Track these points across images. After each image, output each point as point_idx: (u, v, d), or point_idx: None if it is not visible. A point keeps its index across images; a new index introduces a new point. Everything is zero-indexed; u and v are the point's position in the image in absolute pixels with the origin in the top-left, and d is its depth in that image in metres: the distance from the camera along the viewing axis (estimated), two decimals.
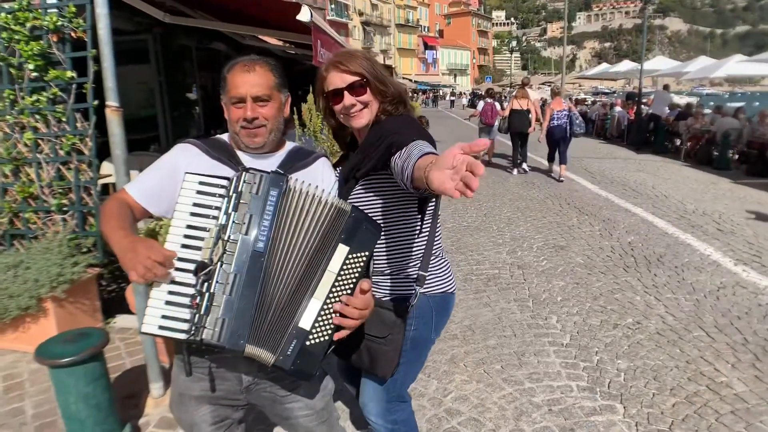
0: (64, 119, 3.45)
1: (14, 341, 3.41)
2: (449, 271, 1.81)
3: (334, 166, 1.79)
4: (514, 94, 10.74)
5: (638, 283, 4.65)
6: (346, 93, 1.59)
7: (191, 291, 1.26)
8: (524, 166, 10.71)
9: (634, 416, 2.76)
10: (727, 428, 2.66)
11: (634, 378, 3.13)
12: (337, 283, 1.31)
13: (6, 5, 3.41)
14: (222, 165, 1.47)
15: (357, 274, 1.33)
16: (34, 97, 3.45)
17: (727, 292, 4.46)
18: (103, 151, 3.55)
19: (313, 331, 1.31)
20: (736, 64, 14.21)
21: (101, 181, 4.43)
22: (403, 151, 1.33)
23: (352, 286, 1.33)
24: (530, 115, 10.00)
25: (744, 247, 5.68)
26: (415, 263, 1.68)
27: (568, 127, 9.43)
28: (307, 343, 1.30)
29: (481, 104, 11.59)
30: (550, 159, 10.28)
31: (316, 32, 3.31)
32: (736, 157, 11.45)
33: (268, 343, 1.30)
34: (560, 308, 4.15)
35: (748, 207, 7.65)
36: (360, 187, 1.62)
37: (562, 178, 9.72)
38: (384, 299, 1.66)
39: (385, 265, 1.68)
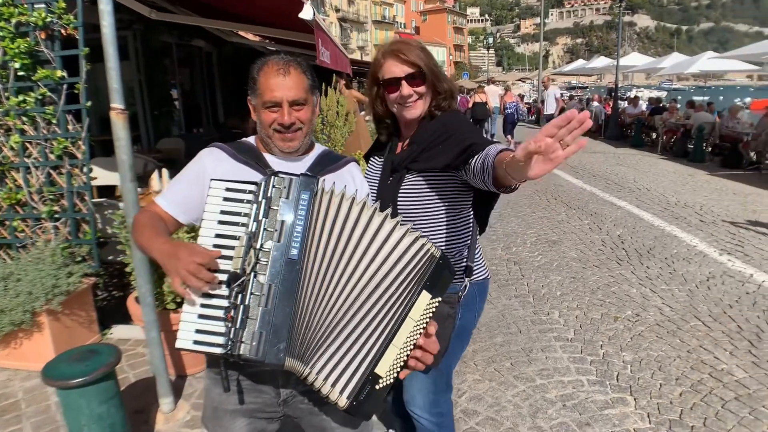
0: (54, 121, 3.30)
1: (5, 358, 3.23)
2: (484, 257, 1.86)
3: (366, 154, 1.82)
4: (475, 91, 15.06)
5: (632, 276, 4.72)
6: (404, 83, 1.58)
7: (225, 303, 1.20)
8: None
9: (645, 407, 2.80)
10: (734, 414, 2.73)
11: (640, 369, 3.17)
12: (413, 329, 1.27)
13: None
14: (249, 169, 1.41)
15: (429, 318, 1.29)
16: (21, 98, 3.29)
17: (716, 281, 4.57)
18: (90, 153, 3.43)
19: (386, 375, 1.26)
20: (708, 61, 14.68)
21: None
22: (482, 153, 1.36)
23: (423, 328, 1.29)
24: (486, 105, 13.96)
25: (726, 237, 5.83)
26: (465, 253, 1.71)
27: (515, 114, 14.35)
28: (377, 387, 1.25)
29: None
30: (505, 134, 14.61)
31: (318, 31, 3.23)
32: (710, 149, 11.78)
33: (312, 357, 1.24)
34: (561, 303, 4.18)
35: (726, 198, 7.87)
36: (420, 179, 1.62)
37: (512, 147, 13.72)
38: None
39: None
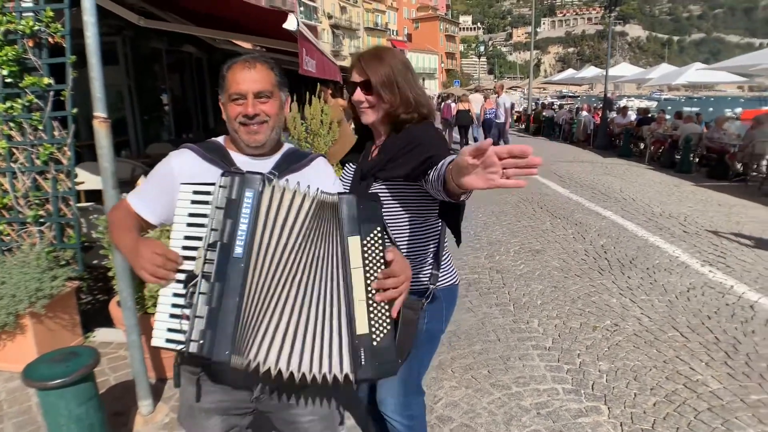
0: (40, 127, 3.33)
1: None
2: (453, 264, 1.90)
3: (343, 160, 1.91)
4: (459, 99, 15.86)
5: (613, 286, 4.80)
6: (358, 89, 1.69)
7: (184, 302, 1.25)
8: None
9: (618, 416, 2.85)
10: (706, 425, 2.78)
11: (615, 379, 3.23)
12: (367, 273, 1.27)
13: None
14: (216, 168, 1.42)
15: (380, 249, 1.30)
16: (8, 104, 3.32)
17: (696, 292, 4.64)
18: (76, 157, 3.45)
19: (373, 329, 1.27)
20: (696, 72, 14.87)
21: None
22: (439, 164, 1.40)
23: (381, 261, 1.30)
24: (470, 113, 14.74)
25: (709, 249, 5.92)
26: (429, 260, 1.76)
27: (494, 119, 14.00)
28: (374, 343, 1.27)
29: (442, 105, 17.21)
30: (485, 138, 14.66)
31: (301, 41, 3.29)
32: (697, 160, 11.93)
33: (257, 348, 1.25)
34: (540, 312, 4.24)
35: (710, 209, 7.98)
36: (384, 188, 1.68)
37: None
38: None
39: None
